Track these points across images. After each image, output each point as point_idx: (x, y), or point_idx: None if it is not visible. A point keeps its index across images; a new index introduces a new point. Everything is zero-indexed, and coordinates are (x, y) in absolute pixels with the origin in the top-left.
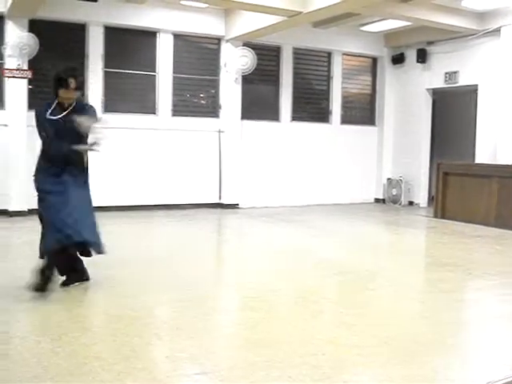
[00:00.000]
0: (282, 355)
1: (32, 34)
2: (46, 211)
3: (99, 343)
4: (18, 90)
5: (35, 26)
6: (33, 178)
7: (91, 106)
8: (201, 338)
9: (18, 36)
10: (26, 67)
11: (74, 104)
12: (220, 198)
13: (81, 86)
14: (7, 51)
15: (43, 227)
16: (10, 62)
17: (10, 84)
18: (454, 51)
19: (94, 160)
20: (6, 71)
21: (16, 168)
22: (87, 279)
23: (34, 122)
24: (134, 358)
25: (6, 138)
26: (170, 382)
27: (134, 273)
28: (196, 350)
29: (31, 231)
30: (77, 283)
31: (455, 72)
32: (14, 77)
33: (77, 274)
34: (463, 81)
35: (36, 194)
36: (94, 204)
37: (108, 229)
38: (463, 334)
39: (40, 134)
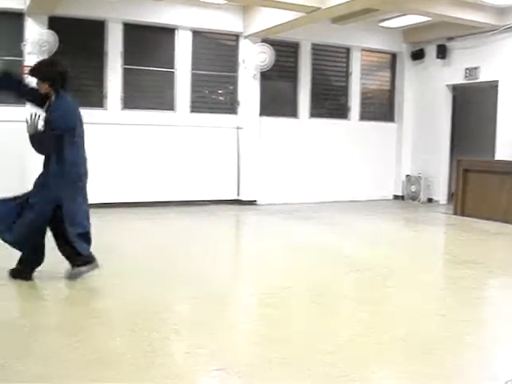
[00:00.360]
0: (299, 352)
1: (51, 31)
2: None
3: (117, 338)
4: (37, 86)
5: (55, 23)
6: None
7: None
8: (219, 334)
9: (37, 33)
10: None
11: (53, 98)
12: (238, 195)
13: (40, 76)
14: (27, 48)
15: None
16: (30, 59)
17: (29, 81)
18: (474, 47)
19: (113, 157)
20: (26, 68)
21: (36, 166)
22: (90, 262)
23: None
24: (153, 354)
25: (26, 135)
26: (188, 377)
27: (151, 268)
28: (214, 346)
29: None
30: (84, 268)
31: (475, 68)
32: None
33: (80, 257)
34: (484, 77)
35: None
36: (113, 200)
37: (126, 225)
38: (482, 331)
39: None
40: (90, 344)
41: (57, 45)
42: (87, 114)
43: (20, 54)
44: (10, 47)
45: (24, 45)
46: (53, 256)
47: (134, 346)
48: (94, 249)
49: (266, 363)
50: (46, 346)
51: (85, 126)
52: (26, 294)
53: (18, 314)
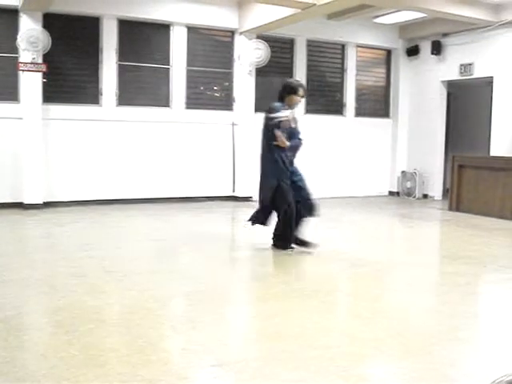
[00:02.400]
0: (296, 348)
1: (42, 29)
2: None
3: (114, 335)
4: (32, 83)
5: (49, 20)
6: None
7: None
8: (215, 331)
9: (28, 30)
10: (40, 61)
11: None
12: (234, 191)
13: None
14: (22, 45)
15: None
16: (25, 56)
17: (24, 77)
18: (469, 43)
19: (109, 154)
20: (21, 65)
21: (31, 161)
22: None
23: (49, 116)
24: (149, 350)
25: (20, 131)
26: (185, 373)
27: (147, 265)
28: (211, 343)
29: (48, 223)
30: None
31: (470, 64)
32: (28, 70)
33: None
34: (478, 73)
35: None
36: (109, 197)
37: (121, 222)
38: (478, 327)
39: None
40: (87, 341)
41: (49, 42)
42: (82, 111)
43: (15, 50)
44: (6, 44)
45: (18, 42)
46: None
47: (130, 342)
48: (90, 245)
49: (262, 359)
50: (43, 343)
51: (79, 123)
52: (22, 287)
53: None
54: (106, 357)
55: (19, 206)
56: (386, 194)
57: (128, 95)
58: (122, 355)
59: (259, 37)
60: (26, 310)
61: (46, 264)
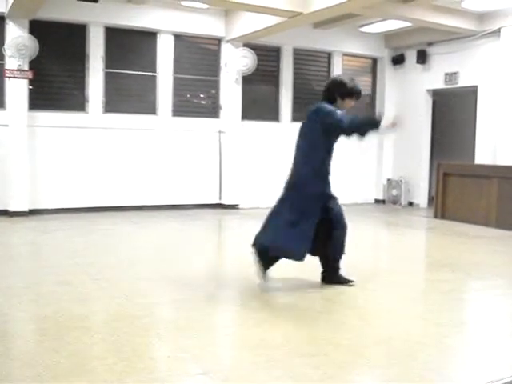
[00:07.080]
0: (283, 355)
1: (29, 35)
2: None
3: (100, 343)
4: (18, 90)
5: (36, 27)
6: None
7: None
8: (202, 338)
9: (15, 37)
10: (26, 68)
11: None
12: (220, 199)
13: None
14: (7, 52)
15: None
16: (11, 63)
17: (10, 84)
18: (453, 52)
19: (95, 161)
20: (7, 71)
21: (16, 168)
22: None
23: (35, 123)
24: (136, 358)
25: (6, 138)
26: (171, 381)
27: (133, 272)
28: (197, 350)
29: (33, 231)
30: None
31: (455, 73)
32: (14, 77)
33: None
34: (463, 82)
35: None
36: (95, 204)
37: (107, 229)
38: (463, 334)
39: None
40: (73, 348)
41: (37, 49)
42: (68, 118)
43: (1, 57)
44: None
45: (4, 49)
46: None
47: (116, 350)
48: (76, 253)
49: (249, 367)
50: (28, 351)
51: (65, 130)
52: (8, 297)
53: None
54: (92, 365)
55: (4, 213)
56: (372, 201)
57: (114, 102)
58: (108, 363)
59: (246, 45)
60: (12, 317)
61: (31, 272)
